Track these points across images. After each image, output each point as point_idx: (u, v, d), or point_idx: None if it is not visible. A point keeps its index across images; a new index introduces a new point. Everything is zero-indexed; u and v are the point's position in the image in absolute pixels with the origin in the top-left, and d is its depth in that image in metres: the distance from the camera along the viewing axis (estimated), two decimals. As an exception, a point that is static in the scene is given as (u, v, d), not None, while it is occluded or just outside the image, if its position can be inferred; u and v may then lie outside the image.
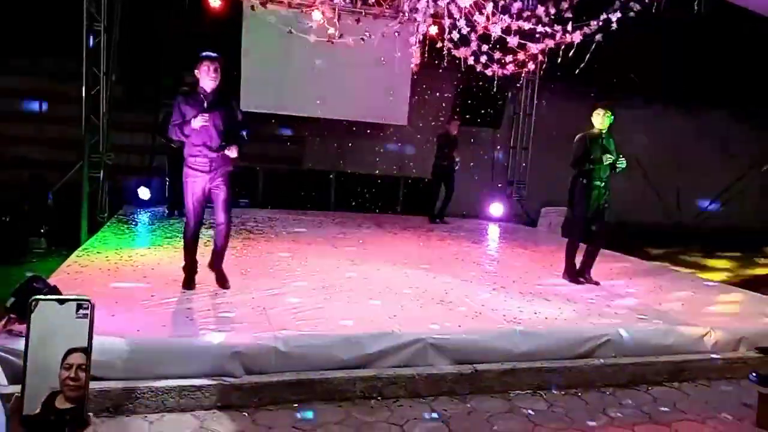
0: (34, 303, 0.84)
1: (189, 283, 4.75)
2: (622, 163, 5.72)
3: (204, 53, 4.56)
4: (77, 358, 0.82)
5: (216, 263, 4.89)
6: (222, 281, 4.84)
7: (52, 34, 8.45)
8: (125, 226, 7.56)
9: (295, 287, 5.00)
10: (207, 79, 4.55)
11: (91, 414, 0.81)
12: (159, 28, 8.68)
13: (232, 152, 4.59)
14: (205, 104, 4.54)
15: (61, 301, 0.85)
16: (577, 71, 6.65)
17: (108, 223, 7.63)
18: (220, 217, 4.74)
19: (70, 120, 9.34)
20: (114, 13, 8.32)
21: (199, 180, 4.60)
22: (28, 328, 0.84)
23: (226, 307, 4.31)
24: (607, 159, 5.64)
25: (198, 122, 4.44)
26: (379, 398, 3.69)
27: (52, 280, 4.10)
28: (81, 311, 0.85)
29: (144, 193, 9.17)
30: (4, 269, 5.77)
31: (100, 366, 3.28)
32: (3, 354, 3.20)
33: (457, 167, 9.69)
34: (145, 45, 8.80)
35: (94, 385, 3.20)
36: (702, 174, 13.38)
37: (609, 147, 5.75)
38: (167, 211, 8.64)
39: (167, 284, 4.82)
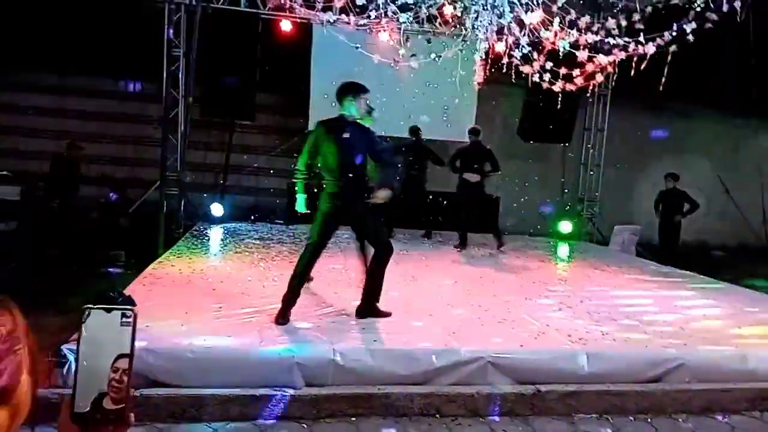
0: (87, 312, 0.92)
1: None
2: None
3: (348, 82, 4.50)
4: (122, 363, 0.89)
5: None
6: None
7: (134, 59, 9.01)
8: (198, 240, 7.88)
9: (355, 302, 5.04)
10: (352, 107, 4.48)
11: (131, 415, 0.88)
12: (234, 52, 9.06)
13: (377, 197, 4.55)
14: (343, 131, 4.45)
15: (108, 310, 0.92)
16: (661, 87, 6.33)
17: (183, 238, 7.98)
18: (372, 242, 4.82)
19: (150, 140, 9.93)
20: (192, 38, 8.79)
21: (333, 205, 4.51)
22: (80, 333, 0.92)
23: (289, 320, 4.39)
24: None
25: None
26: (437, 416, 3.65)
27: (127, 291, 4.33)
28: (124, 319, 0.91)
29: (217, 209, 9.52)
30: (86, 279, 6.14)
31: (167, 373, 3.44)
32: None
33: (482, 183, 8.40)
34: (221, 67, 9.21)
35: (161, 391, 3.37)
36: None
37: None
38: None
39: (234, 296, 4.98)
